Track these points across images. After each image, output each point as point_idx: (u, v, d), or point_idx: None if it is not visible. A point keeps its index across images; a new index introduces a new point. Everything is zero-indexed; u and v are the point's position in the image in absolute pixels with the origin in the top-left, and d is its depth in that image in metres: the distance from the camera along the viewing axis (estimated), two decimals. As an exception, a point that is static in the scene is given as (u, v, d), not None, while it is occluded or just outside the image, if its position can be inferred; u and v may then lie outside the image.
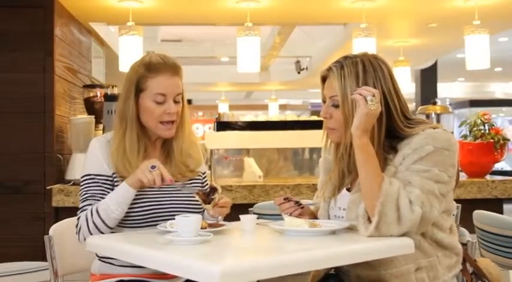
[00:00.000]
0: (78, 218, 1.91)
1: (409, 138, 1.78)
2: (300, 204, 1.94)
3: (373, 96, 1.70)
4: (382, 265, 1.74)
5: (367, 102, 1.69)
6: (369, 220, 1.69)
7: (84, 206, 1.92)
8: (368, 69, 1.79)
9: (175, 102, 1.98)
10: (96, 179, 1.95)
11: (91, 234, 1.87)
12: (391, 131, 1.81)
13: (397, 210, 1.66)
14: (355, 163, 1.76)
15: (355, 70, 1.79)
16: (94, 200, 1.92)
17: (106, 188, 1.95)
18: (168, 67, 1.96)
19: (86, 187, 1.95)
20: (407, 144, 1.76)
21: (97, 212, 1.86)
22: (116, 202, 1.86)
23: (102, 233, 1.87)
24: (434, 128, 1.78)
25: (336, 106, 1.82)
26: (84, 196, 1.94)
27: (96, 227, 1.86)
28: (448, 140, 1.76)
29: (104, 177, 1.95)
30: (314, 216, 2.00)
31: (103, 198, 1.92)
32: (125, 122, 1.97)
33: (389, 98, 1.79)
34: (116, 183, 1.95)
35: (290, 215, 1.90)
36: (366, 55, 1.85)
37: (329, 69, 1.85)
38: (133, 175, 1.87)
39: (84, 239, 1.88)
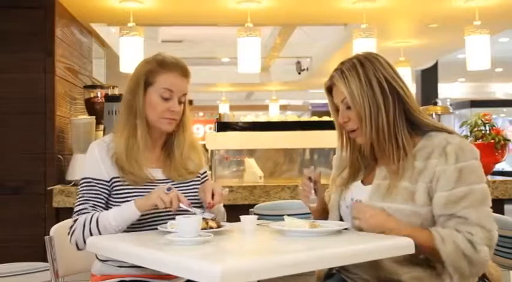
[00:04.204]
0: (75, 221, 1.92)
1: (427, 140, 1.81)
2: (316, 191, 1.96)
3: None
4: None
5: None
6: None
7: (81, 209, 1.93)
8: (366, 65, 1.85)
9: (179, 102, 2.01)
10: (93, 182, 1.96)
11: (84, 239, 1.87)
12: (407, 115, 1.84)
13: (465, 258, 1.69)
14: (369, 157, 1.85)
15: (355, 70, 1.84)
16: (91, 204, 1.93)
17: (103, 192, 1.96)
18: (179, 67, 2.01)
19: (83, 191, 1.96)
20: (435, 152, 1.77)
21: (96, 222, 1.87)
22: (119, 220, 1.86)
23: None
24: (449, 133, 1.82)
25: (349, 107, 1.86)
26: (81, 199, 1.95)
27: (91, 235, 1.87)
28: (473, 149, 1.79)
29: (102, 182, 1.96)
30: (324, 210, 2.02)
31: (100, 203, 1.94)
32: (134, 115, 1.98)
33: (395, 82, 1.84)
34: (114, 189, 1.96)
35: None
36: (359, 55, 1.91)
37: (331, 77, 1.90)
38: (147, 199, 1.86)
39: (76, 243, 1.90)
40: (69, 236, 1.92)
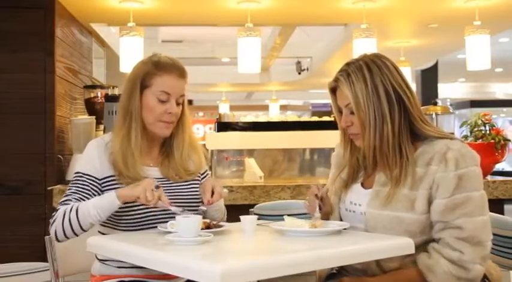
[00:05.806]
0: (57, 210, 1.89)
1: (428, 146, 1.78)
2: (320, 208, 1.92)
3: None
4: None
5: None
6: None
7: (66, 200, 1.91)
8: (373, 69, 1.80)
9: (177, 104, 1.99)
10: (84, 177, 1.94)
11: (63, 229, 1.84)
12: (410, 125, 1.81)
13: (458, 280, 1.69)
14: (370, 160, 1.82)
15: (361, 74, 1.79)
16: (76, 197, 1.91)
17: (92, 188, 1.94)
18: (176, 68, 1.98)
19: (73, 183, 1.95)
20: (435, 159, 1.74)
21: (76, 211, 1.84)
22: (98, 208, 1.83)
23: (75, 232, 1.85)
24: (451, 139, 1.79)
25: (353, 113, 1.82)
26: (69, 191, 1.93)
27: (71, 224, 1.84)
28: (473, 155, 1.76)
29: (92, 178, 1.94)
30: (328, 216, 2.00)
31: (85, 197, 1.91)
32: (129, 117, 1.96)
33: (401, 90, 1.80)
34: (104, 188, 1.95)
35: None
36: (366, 56, 1.86)
37: (336, 79, 1.85)
38: (130, 190, 1.83)
39: (56, 233, 1.86)
40: (50, 226, 1.89)
